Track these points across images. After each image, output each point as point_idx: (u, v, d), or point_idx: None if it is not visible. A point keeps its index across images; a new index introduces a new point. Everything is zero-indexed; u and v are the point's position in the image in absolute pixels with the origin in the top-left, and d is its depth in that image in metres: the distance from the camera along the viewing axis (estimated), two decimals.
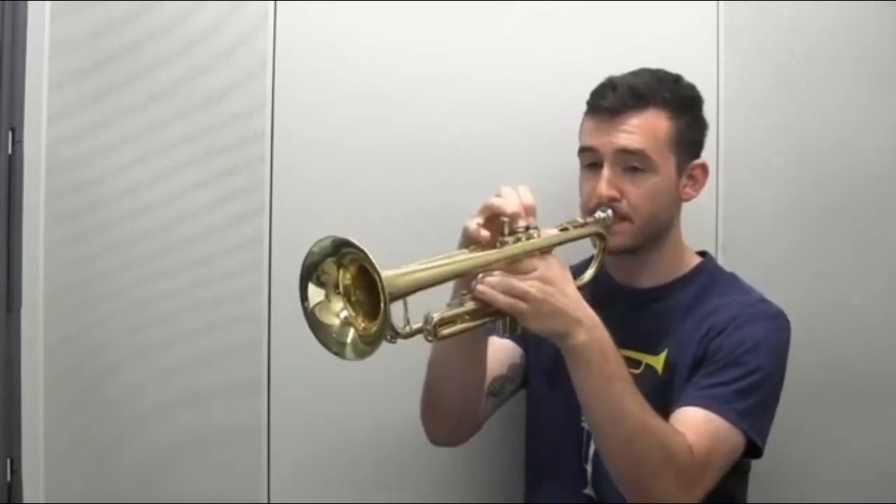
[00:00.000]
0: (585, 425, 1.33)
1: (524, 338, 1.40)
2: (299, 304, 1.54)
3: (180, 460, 1.54)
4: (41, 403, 1.51)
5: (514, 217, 1.14)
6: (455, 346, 1.23)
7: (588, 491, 1.34)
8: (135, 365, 1.53)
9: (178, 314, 1.53)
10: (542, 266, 1.13)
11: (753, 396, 1.22)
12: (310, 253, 1.04)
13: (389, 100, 1.55)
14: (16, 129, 1.50)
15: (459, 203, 1.54)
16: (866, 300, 1.62)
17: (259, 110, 1.53)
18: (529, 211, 1.16)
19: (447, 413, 1.35)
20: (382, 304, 0.98)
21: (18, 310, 1.50)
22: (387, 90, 1.55)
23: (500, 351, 1.38)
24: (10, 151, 1.50)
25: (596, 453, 1.31)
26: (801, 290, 1.57)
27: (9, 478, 1.50)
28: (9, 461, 1.50)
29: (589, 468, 1.33)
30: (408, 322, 1.04)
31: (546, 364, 1.39)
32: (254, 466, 1.54)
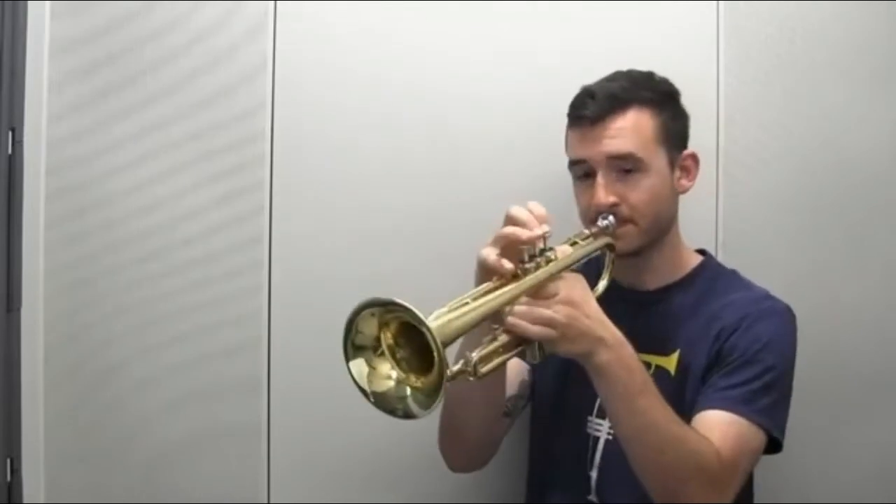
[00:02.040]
0: (591, 432, 1.34)
1: None
2: (299, 303, 1.54)
3: (180, 460, 1.54)
4: (41, 403, 1.51)
5: (529, 242, 1.13)
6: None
7: (592, 498, 1.34)
8: (135, 365, 1.53)
9: (178, 314, 1.53)
10: (564, 288, 1.13)
11: (772, 393, 1.23)
12: (350, 315, 1.02)
13: (390, 99, 1.55)
14: (16, 129, 1.50)
15: (461, 203, 1.55)
16: (866, 298, 1.62)
17: (259, 110, 1.53)
18: (542, 220, 1.15)
19: (468, 441, 1.36)
20: (436, 357, 0.97)
21: (18, 310, 1.50)
22: (387, 90, 1.55)
23: (512, 369, 1.36)
24: (10, 151, 1.50)
25: (602, 460, 1.32)
26: (801, 288, 1.57)
27: (9, 478, 1.50)
28: (9, 461, 1.50)
29: (594, 475, 1.33)
30: (447, 366, 1.02)
31: (552, 372, 1.39)
32: (254, 466, 1.54)
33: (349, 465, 1.56)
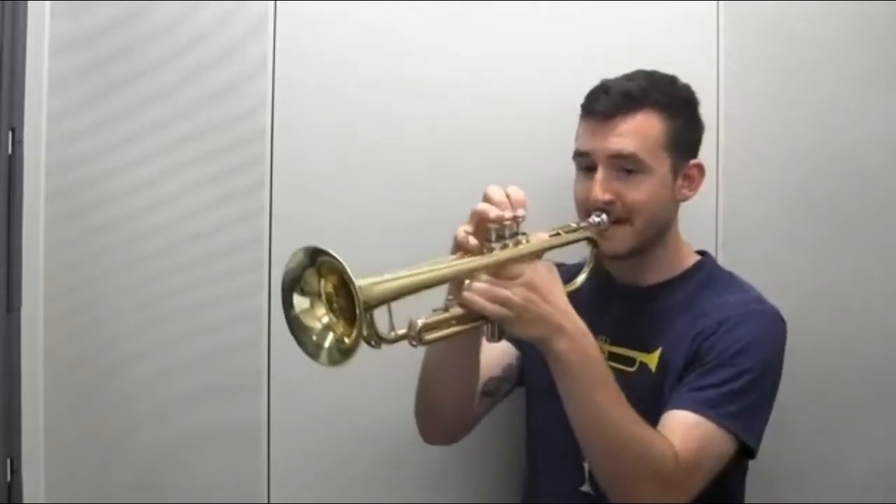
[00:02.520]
0: None
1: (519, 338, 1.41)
2: None
3: (180, 460, 1.54)
4: (41, 403, 1.51)
5: (497, 221, 1.14)
6: (447, 349, 1.23)
7: (585, 488, 1.34)
8: (135, 364, 1.53)
9: (179, 314, 1.53)
10: (528, 272, 1.12)
11: (745, 398, 1.22)
12: (288, 269, 1.04)
13: (390, 99, 1.55)
14: (16, 129, 1.50)
15: (460, 202, 1.54)
16: (866, 299, 1.62)
17: (259, 110, 1.53)
18: (518, 204, 1.15)
19: (440, 414, 1.36)
20: (358, 313, 0.98)
21: (18, 310, 1.51)
22: (387, 89, 1.55)
23: (495, 351, 1.37)
24: (10, 151, 1.50)
25: None
26: (801, 287, 1.58)
27: (9, 478, 1.50)
28: (9, 461, 1.50)
29: (587, 465, 1.33)
30: (392, 327, 1.04)
31: (545, 361, 1.39)
32: (254, 466, 1.54)
33: (349, 464, 1.56)
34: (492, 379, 1.39)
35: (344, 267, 0.98)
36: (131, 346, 1.53)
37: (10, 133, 1.50)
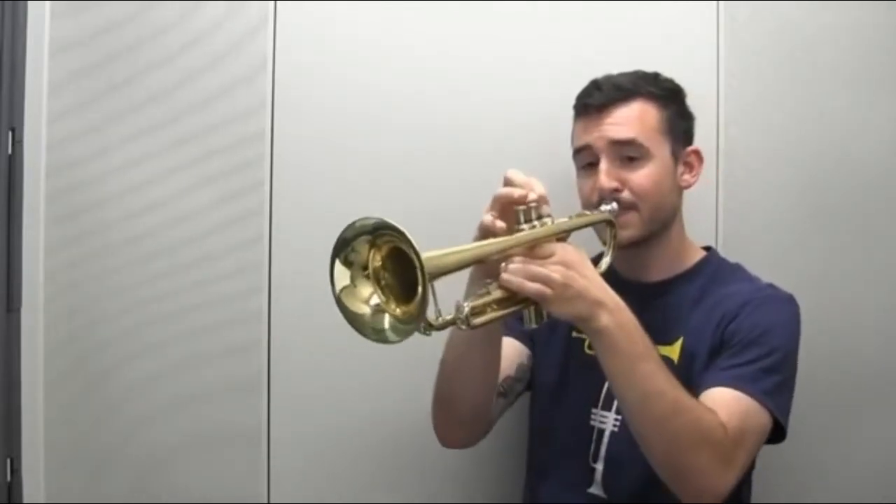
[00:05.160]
0: (596, 424, 1.33)
1: (531, 337, 1.41)
2: (299, 303, 1.54)
3: (180, 460, 1.54)
4: (41, 403, 1.51)
5: (522, 200, 1.14)
6: (470, 346, 1.24)
7: (593, 490, 1.33)
8: (135, 365, 1.53)
9: (178, 314, 1.53)
10: (559, 250, 1.13)
11: (775, 376, 1.22)
12: (346, 229, 1.03)
13: (389, 99, 1.55)
14: (16, 129, 1.51)
15: (460, 201, 1.54)
16: (867, 296, 1.62)
17: (259, 110, 1.53)
18: (542, 200, 1.16)
19: (461, 415, 1.35)
20: (422, 284, 0.97)
21: (18, 310, 1.51)
22: (387, 90, 1.55)
23: (509, 351, 1.37)
24: (10, 151, 1.51)
25: (609, 452, 1.31)
26: (801, 288, 1.57)
27: (9, 478, 1.50)
28: (9, 461, 1.51)
29: (600, 467, 1.32)
30: (439, 314, 1.03)
31: (554, 363, 1.39)
32: (254, 466, 1.54)
33: (349, 465, 1.56)
34: (507, 378, 1.38)
35: (409, 238, 0.97)
36: (131, 347, 1.53)
37: (10, 133, 1.51)
